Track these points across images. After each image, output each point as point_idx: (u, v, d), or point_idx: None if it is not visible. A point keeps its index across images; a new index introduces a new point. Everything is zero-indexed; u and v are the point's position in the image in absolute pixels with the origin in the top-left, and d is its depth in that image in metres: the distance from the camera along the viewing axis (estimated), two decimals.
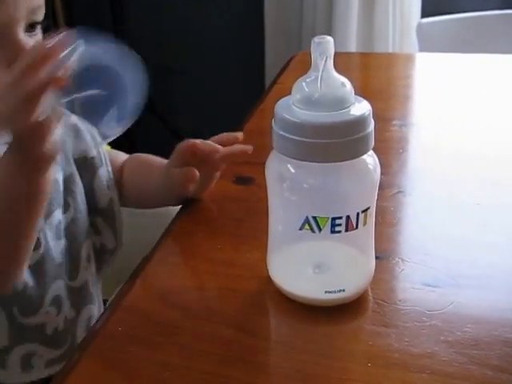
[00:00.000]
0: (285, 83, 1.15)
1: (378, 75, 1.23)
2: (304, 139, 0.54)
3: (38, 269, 0.73)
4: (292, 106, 0.56)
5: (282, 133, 0.55)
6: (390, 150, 0.89)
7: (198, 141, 0.75)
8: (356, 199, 0.57)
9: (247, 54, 2.10)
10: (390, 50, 1.77)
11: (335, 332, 0.58)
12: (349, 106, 0.55)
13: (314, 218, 0.56)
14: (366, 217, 0.58)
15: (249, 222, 0.75)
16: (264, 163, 0.84)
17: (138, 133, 0.92)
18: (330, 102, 0.55)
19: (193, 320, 0.60)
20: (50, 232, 0.75)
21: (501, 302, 0.61)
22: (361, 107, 0.55)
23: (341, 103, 0.55)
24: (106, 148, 0.87)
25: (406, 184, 0.81)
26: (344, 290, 0.59)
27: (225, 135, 0.79)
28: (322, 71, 0.54)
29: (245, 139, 0.93)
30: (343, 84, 0.55)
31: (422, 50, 1.59)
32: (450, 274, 0.64)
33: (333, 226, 0.56)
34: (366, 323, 0.59)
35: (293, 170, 0.57)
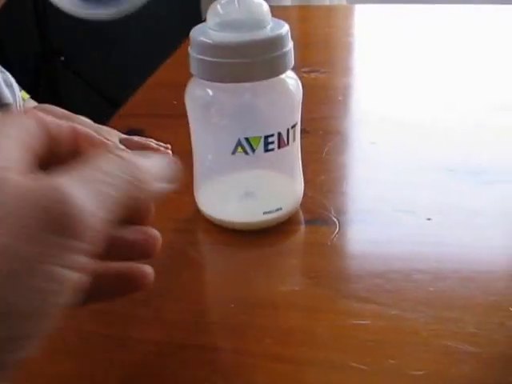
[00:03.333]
0: None
1: (316, 28, 1.20)
2: (223, 60, 0.54)
3: None
4: (209, 30, 0.55)
5: (202, 57, 0.55)
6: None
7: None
8: (284, 116, 0.58)
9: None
10: (328, 3, 1.73)
11: (195, 275, 0.56)
12: (266, 26, 0.55)
13: (247, 139, 0.56)
14: (295, 132, 0.58)
15: None
16: (159, 115, 0.84)
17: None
18: (247, 23, 0.55)
19: None
20: None
21: (377, 236, 0.59)
22: (278, 27, 0.56)
23: (258, 24, 0.55)
24: (23, 96, 0.83)
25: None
26: (281, 209, 0.59)
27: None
28: None
29: (145, 92, 0.92)
30: (260, 4, 0.56)
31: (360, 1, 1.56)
32: (333, 209, 0.62)
33: (266, 144, 0.56)
34: (237, 265, 0.57)
35: (218, 94, 0.57)
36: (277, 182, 0.62)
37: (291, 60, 0.56)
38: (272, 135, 0.56)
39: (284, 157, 0.59)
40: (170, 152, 0.63)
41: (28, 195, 0.29)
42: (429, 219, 0.60)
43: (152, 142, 0.69)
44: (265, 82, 0.55)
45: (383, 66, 0.99)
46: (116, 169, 0.32)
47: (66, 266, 0.29)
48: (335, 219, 0.61)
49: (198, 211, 0.63)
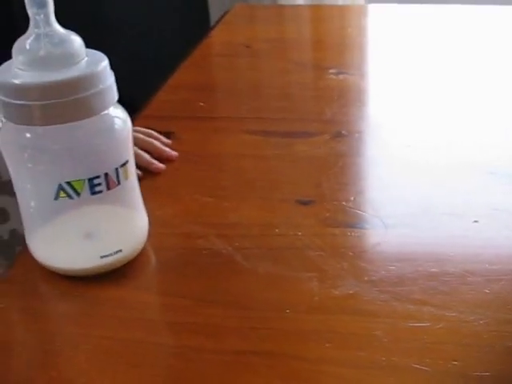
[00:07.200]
0: (215, 37, 1.13)
1: (329, 28, 1.20)
2: (31, 102, 0.50)
3: None
4: (15, 70, 0.51)
5: (7, 99, 0.50)
6: (330, 98, 0.88)
7: None
8: (110, 155, 0.54)
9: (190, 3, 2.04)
10: (341, 3, 1.73)
11: (248, 281, 0.56)
12: (79, 62, 0.52)
13: (68, 183, 0.53)
14: (126, 170, 0.55)
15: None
16: (186, 117, 0.84)
17: None
18: (56, 60, 0.51)
19: None
20: None
21: (427, 239, 0.59)
22: (94, 62, 0.52)
23: (69, 60, 0.51)
24: None
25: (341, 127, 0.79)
26: (121, 251, 0.56)
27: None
28: (44, 27, 0.51)
29: (168, 93, 0.92)
30: (70, 40, 0.52)
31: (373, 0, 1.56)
32: (377, 214, 0.62)
33: (92, 187, 0.53)
34: (287, 270, 0.57)
35: (31, 138, 0.52)
36: (115, 224, 0.58)
37: (112, 96, 0.53)
38: (98, 177, 0.53)
39: (118, 197, 0.56)
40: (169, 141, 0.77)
41: None
42: (476, 221, 0.60)
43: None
44: (83, 122, 0.51)
45: (407, 68, 0.99)
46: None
47: None
48: (382, 222, 0.61)
49: (238, 217, 0.63)
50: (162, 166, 0.72)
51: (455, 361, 0.46)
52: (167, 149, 0.75)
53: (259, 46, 1.09)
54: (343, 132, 0.77)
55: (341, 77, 0.92)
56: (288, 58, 1.04)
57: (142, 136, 0.74)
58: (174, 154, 0.74)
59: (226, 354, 0.48)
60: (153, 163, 0.72)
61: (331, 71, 0.93)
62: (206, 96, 0.92)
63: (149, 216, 0.60)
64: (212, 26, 1.21)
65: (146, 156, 0.72)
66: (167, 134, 0.78)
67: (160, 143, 0.75)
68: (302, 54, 1.06)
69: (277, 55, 1.05)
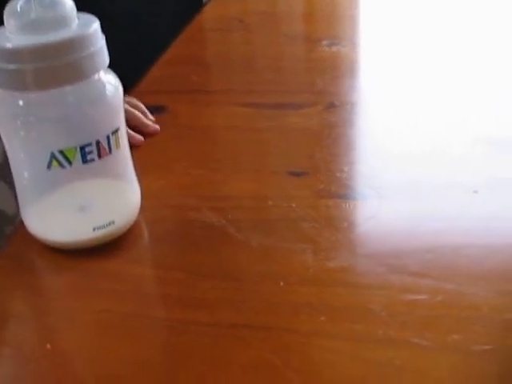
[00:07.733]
0: (208, 12, 1.12)
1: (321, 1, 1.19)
2: (23, 65, 0.48)
3: None
4: (7, 34, 0.50)
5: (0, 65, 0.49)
6: (322, 69, 0.86)
7: None
8: (102, 122, 0.53)
9: None
10: None
11: (241, 254, 0.54)
12: (70, 25, 0.50)
13: (61, 151, 0.51)
14: (117, 139, 0.54)
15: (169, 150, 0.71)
16: (179, 91, 0.83)
17: None
18: (47, 22, 0.49)
19: None
20: None
21: (423, 210, 0.58)
22: (85, 24, 0.51)
23: (61, 22, 0.50)
24: None
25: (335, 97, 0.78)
26: (114, 223, 0.55)
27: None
28: None
29: (161, 68, 0.91)
30: (61, 1, 0.50)
31: None
32: (371, 185, 0.61)
33: (83, 155, 0.52)
34: (280, 242, 0.55)
35: (22, 104, 0.50)
36: (107, 195, 0.57)
37: (103, 59, 0.52)
38: (89, 144, 0.52)
39: (109, 167, 0.55)
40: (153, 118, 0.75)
41: None
42: (475, 192, 0.59)
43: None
44: (74, 88, 0.50)
45: (399, 39, 0.98)
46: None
47: None
48: (377, 193, 0.59)
49: (231, 189, 0.62)
50: (141, 138, 0.71)
51: (454, 334, 0.45)
52: (150, 123, 0.73)
53: (251, 19, 1.08)
54: (335, 103, 0.76)
55: (333, 48, 0.91)
56: (280, 30, 1.03)
57: (127, 107, 0.72)
58: (157, 128, 0.73)
59: (218, 327, 0.47)
60: (133, 136, 0.70)
61: (323, 43, 0.92)
62: (199, 70, 0.91)
63: (141, 189, 0.59)
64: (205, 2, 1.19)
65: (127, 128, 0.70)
66: (159, 109, 0.77)
67: (144, 117, 0.74)
68: (294, 26, 1.05)
69: (269, 28, 1.04)
